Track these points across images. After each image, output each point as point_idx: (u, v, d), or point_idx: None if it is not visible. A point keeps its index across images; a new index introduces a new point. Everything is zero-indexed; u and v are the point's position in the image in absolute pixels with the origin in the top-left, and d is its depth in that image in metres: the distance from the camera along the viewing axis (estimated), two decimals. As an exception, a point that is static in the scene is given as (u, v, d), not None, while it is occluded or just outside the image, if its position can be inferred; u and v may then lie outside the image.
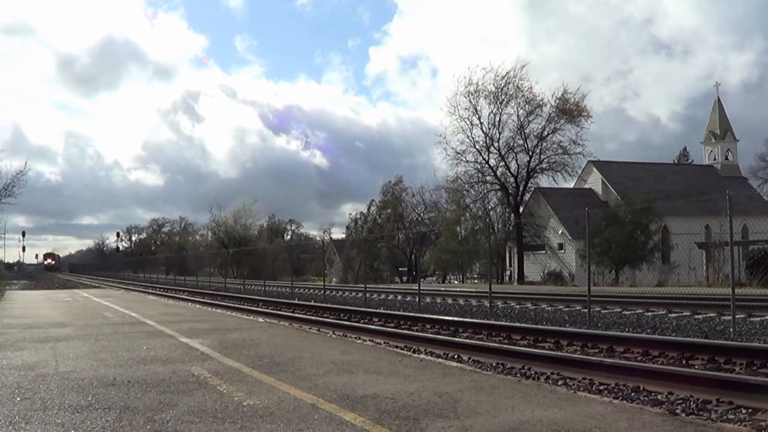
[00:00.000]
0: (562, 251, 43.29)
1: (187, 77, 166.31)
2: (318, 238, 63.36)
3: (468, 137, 44.59)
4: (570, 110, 42.80)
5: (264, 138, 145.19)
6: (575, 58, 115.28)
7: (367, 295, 23.46)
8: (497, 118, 44.06)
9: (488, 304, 17.47)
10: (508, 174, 44.74)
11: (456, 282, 51.06)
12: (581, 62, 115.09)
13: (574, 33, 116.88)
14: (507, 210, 46.87)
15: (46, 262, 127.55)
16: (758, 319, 12.86)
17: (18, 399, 5.63)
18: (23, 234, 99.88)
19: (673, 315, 14.14)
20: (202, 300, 24.93)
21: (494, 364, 8.43)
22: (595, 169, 47.65)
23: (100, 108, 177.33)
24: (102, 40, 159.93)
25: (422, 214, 60.02)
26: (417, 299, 20.46)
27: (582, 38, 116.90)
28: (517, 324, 13.28)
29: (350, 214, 78.46)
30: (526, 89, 43.33)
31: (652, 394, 6.44)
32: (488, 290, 18.03)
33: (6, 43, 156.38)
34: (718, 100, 51.90)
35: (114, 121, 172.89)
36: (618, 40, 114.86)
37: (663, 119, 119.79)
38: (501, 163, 44.68)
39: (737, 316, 11.91)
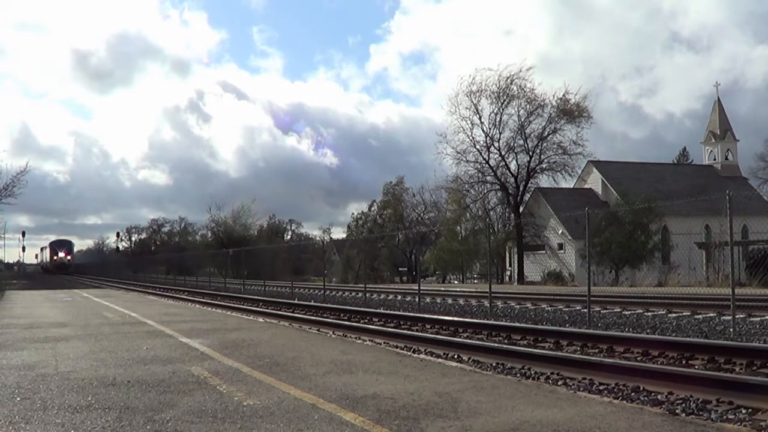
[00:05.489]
0: (562, 251, 43.29)
1: (202, 74, 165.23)
2: (318, 238, 63.37)
3: (468, 137, 44.71)
4: (570, 110, 42.84)
5: (274, 137, 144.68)
6: (595, 53, 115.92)
7: (367, 295, 23.46)
8: (498, 118, 44.16)
9: (488, 304, 17.47)
10: (508, 174, 44.81)
11: (456, 282, 51.06)
12: (601, 57, 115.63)
13: (596, 27, 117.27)
14: (507, 210, 46.92)
15: (55, 258, 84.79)
16: (758, 319, 12.85)
17: (18, 399, 5.63)
18: (23, 234, 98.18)
19: (673, 315, 14.13)
20: (202, 300, 24.92)
21: (494, 364, 8.43)
22: (595, 169, 47.65)
23: (112, 106, 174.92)
24: (117, 35, 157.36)
25: (422, 214, 60.06)
26: (417, 299, 20.46)
27: (603, 33, 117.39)
28: (517, 324, 13.29)
29: (353, 213, 78.62)
30: (528, 90, 43.45)
31: (652, 394, 6.44)
32: (488, 290, 18.02)
33: (17, 39, 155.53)
34: (718, 100, 51.92)
35: (125, 120, 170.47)
36: (639, 35, 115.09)
37: (678, 116, 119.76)
38: (501, 163, 44.79)
39: (737, 316, 11.90)
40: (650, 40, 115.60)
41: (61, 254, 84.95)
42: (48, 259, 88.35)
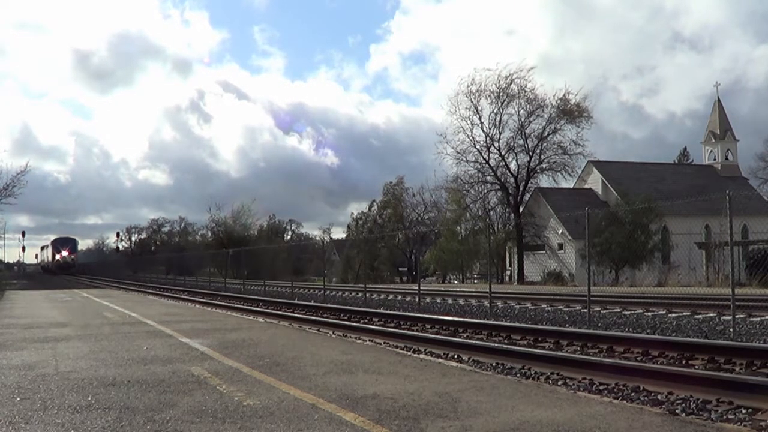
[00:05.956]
0: (562, 251, 43.30)
1: (204, 74, 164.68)
2: (318, 238, 63.35)
3: (468, 137, 44.73)
4: (571, 111, 42.85)
5: (274, 137, 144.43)
6: (597, 53, 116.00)
7: (367, 295, 23.46)
8: (498, 118, 44.18)
9: (488, 304, 17.47)
10: (508, 174, 44.84)
11: (456, 282, 51.06)
12: (603, 57, 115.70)
13: (598, 27, 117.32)
14: (507, 210, 46.93)
15: (58, 257, 79.11)
16: (758, 319, 12.86)
17: (18, 399, 5.63)
18: (23, 234, 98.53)
19: (673, 315, 14.13)
20: (202, 300, 24.92)
21: (494, 364, 8.43)
22: (595, 169, 47.67)
23: (113, 106, 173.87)
24: (118, 35, 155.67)
25: (422, 214, 60.08)
26: (417, 299, 20.46)
27: (605, 33, 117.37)
28: (517, 324, 13.28)
29: (352, 213, 78.61)
30: (528, 90, 43.47)
31: (652, 394, 6.44)
32: (488, 290, 18.02)
33: (17, 38, 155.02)
34: (718, 100, 51.95)
35: (125, 120, 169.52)
36: (641, 35, 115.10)
37: (680, 115, 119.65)
38: (501, 163, 44.80)
39: (737, 316, 11.90)
40: (652, 39, 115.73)
41: (65, 253, 79.10)
42: (50, 259, 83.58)
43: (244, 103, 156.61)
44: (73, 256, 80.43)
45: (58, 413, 5.07)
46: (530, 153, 43.91)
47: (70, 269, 76.73)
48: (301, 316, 16.86)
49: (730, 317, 11.78)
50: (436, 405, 5.17)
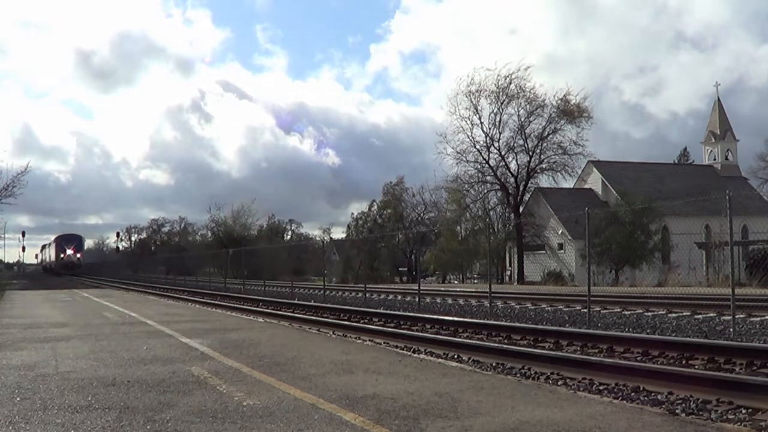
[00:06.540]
0: (562, 251, 43.31)
1: (205, 73, 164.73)
2: (318, 238, 63.31)
3: (468, 137, 44.70)
4: (571, 111, 42.80)
5: (276, 137, 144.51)
6: (600, 52, 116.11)
7: (367, 295, 23.45)
8: (498, 118, 44.13)
9: (488, 304, 17.47)
10: (508, 174, 44.78)
11: (456, 282, 51.06)
12: (605, 57, 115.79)
13: (601, 26, 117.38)
14: (507, 210, 46.90)
15: (62, 256, 72.87)
16: (758, 319, 12.85)
17: (18, 399, 5.63)
18: (23, 234, 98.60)
19: (673, 315, 14.13)
20: (201, 300, 24.91)
21: (494, 364, 8.43)
22: (595, 169, 47.69)
23: (114, 105, 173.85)
24: (120, 34, 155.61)
25: (422, 214, 60.07)
26: (417, 299, 20.46)
27: (608, 32, 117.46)
28: (517, 324, 13.28)
29: (352, 213, 78.59)
30: (528, 89, 43.43)
31: (652, 394, 6.44)
32: (488, 290, 18.02)
33: (19, 38, 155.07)
34: (718, 100, 51.99)
35: (127, 119, 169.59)
36: (645, 34, 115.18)
37: (682, 115, 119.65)
38: (501, 163, 44.76)
39: (737, 316, 11.90)
40: (655, 39, 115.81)
41: (70, 251, 73.02)
42: (53, 258, 78.17)
43: (245, 102, 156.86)
44: (79, 255, 75.20)
45: (58, 413, 5.07)
46: (530, 153, 43.90)
47: (76, 269, 72.01)
48: (301, 316, 16.85)
49: (730, 317, 11.78)
50: (436, 405, 5.17)
